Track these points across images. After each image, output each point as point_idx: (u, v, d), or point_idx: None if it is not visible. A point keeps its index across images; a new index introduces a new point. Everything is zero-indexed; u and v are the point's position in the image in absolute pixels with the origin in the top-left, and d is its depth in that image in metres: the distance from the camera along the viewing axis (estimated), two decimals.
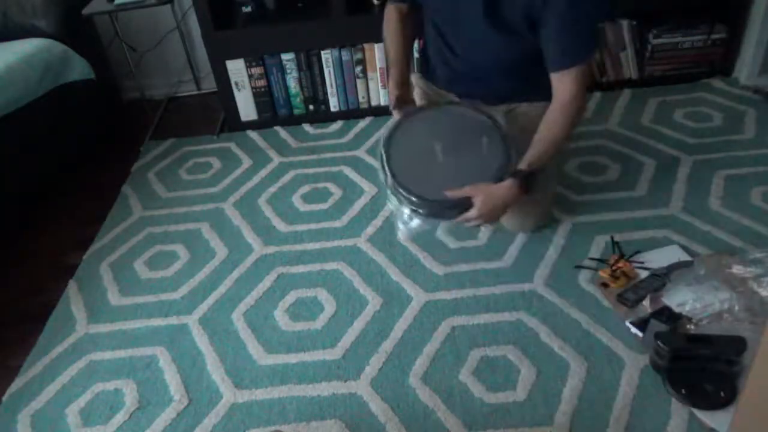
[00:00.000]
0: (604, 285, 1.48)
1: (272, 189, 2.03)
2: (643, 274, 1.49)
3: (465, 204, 1.39)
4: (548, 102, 1.43)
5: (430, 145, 1.48)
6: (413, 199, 1.42)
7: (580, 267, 1.56)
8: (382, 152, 1.47)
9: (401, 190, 1.42)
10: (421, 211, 1.44)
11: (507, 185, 1.38)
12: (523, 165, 1.39)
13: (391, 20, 1.62)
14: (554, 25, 1.31)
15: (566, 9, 1.28)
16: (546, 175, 1.48)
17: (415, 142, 1.50)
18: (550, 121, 1.40)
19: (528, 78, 1.49)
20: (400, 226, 1.51)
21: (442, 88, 1.69)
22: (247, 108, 2.38)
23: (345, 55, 2.27)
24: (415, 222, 1.47)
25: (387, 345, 1.41)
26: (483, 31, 1.41)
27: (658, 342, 1.24)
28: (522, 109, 1.62)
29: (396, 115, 1.53)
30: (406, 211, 1.46)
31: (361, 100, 2.37)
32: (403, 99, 1.56)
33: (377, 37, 2.20)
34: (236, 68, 2.28)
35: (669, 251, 1.56)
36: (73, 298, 1.67)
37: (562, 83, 1.37)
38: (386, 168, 1.45)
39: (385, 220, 1.81)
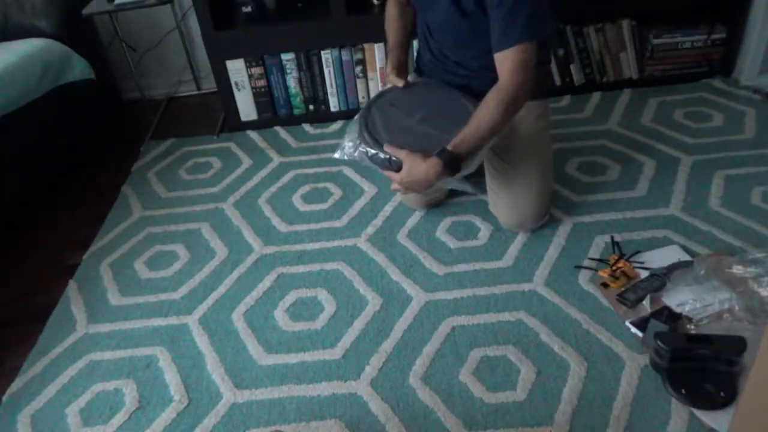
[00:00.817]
0: (604, 285, 1.48)
1: (272, 189, 2.03)
2: (643, 274, 1.49)
3: (396, 164, 1.44)
4: (529, 102, 1.48)
5: (411, 107, 1.55)
6: (365, 135, 1.49)
7: (580, 267, 1.56)
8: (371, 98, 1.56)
9: (365, 122, 1.52)
10: (362, 146, 1.50)
11: (432, 162, 1.39)
12: (449, 145, 1.40)
13: (391, 8, 1.69)
14: (496, 6, 1.35)
15: None
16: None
17: (401, 101, 1.57)
18: (484, 103, 1.41)
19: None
20: (342, 146, 1.55)
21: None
22: (247, 108, 2.38)
23: (345, 55, 2.27)
24: (357, 152, 1.52)
25: (387, 345, 1.41)
26: (449, 14, 1.47)
27: (658, 342, 1.23)
28: None
29: (391, 80, 1.59)
30: (353, 140, 1.53)
31: (361, 100, 2.37)
32: (399, 74, 1.62)
33: (377, 37, 2.21)
34: (236, 68, 2.28)
35: (669, 251, 1.56)
36: (73, 298, 1.67)
37: (501, 65, 1.40)
38: (369, 101, 1.59)
39: (385, 220, 1.81)
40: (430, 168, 1.40)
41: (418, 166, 1.41)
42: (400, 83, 1.59)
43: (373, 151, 1.48)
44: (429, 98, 1.58)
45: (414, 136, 1.48)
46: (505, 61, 1.39)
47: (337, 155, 1.56)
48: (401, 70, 1.63)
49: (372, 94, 2.35)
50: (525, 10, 1.33)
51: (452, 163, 1.40)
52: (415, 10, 1.67)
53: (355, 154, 1.51)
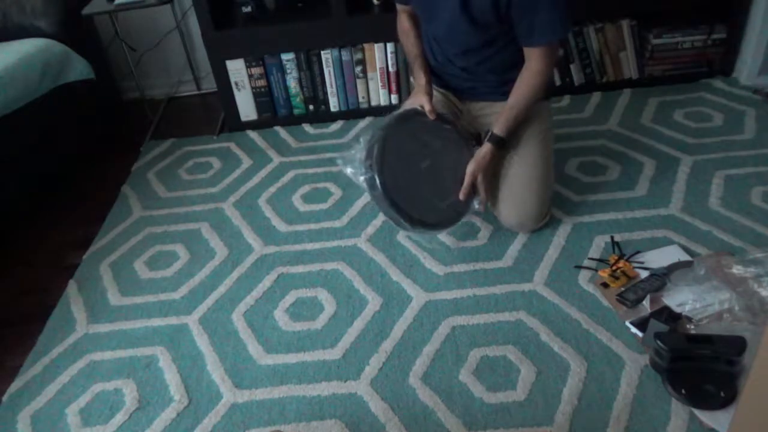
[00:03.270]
0: (604, 285, 1.48)
1: (272, 189, 2.03)
2: (643, 274, 1.49)
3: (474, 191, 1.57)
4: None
5: (421, 149, 1.58)
6: (378, 179, 1.49)
7: (580, 267, 1.56)
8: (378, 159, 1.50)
9: (381, 158, 1.50)
10: (373, 188, 1.50)
11: (488, 148, 1.56)
12: (499, 131, 1.55)
13: (403, 22, 1.69)
14: (528, 9, 1.41)
15: None
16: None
17: (412, 142, 1.58)
18: (521, 89, 1.54)
19: (504, 72, 1.60)
20: (352, 160, 1.55)
21: (439, 86, 1.73)
22: (247, 108, 2.38)
23: (345, 55, 2.27)
24: (362, 180, 1.52)
25: (387, 345, 1.41)
26: (458, 24, 1.49)
27: (658, 342, 1.23)
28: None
29: (426, 104, 1.59)
30: (360, 164, 1.52)
31: (361, 100, 2.37)
32: (428, 92, 1.63)
33: (377, 37, 2.21)
34: (236, 68, 2.28)
35: (669, 251, 1.56)
36: (73, 298, 1.67)
37: (531, 54, 1.51)
38: (390, 123, 1.56)
39: (385, 220, 1.81)
40: (488, 153, 1.56)
41: (482, 159, 1.55)
42: (428, 105, 1.57)
43: (377, 193, 1.49)
44: (419, 143, 1.57)
45: (418, 190, 1.53)
46: (537, 54, 1.50)
47: (339, 163, 1.58)
48: (430, 85, 1.63)
49: (372, 94, 2.35)
50: (556, 13, 1.42)
51: (500, 144, 1.57)
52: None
53: (360, 179, 1.51)
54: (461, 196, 1.55)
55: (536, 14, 1.41)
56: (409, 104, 1.64)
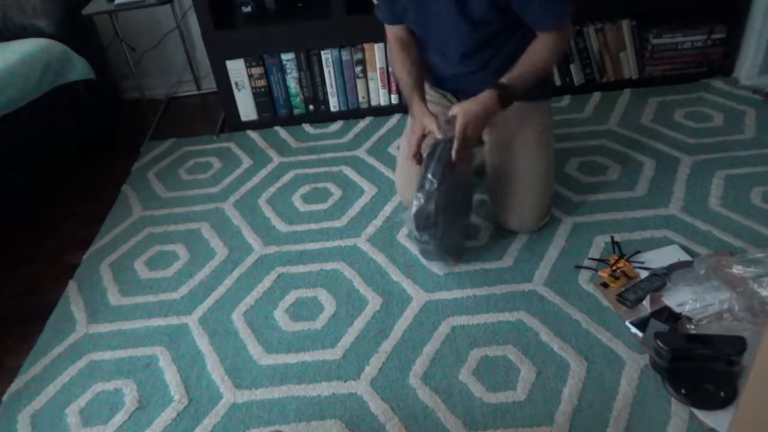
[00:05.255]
0: (604, 285, 1.48)
1: (272, 189, 2.03)
2: (643, 274, 1.49)
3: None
4: (531, 102, 1.57)
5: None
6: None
7: (580, 267, 1.56)
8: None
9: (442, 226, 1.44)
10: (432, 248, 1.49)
11: (488, 94, 1.42)
12: (504, 79, 1.44)
13: (396, 51, 1.64)
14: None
15: None
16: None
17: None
18: (536, 51, 1.46)
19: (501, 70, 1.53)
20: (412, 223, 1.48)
21: (438, 89, 1.71)
22: (247, 108, 2.38)
23: (345, 55, 2.27)
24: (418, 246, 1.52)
25: (387, 345, 1.41)
26: (456, 27, 1.47)
27: (658, 342, 1.23)
28: (508, 111, 1.63)
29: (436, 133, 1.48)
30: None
31: (361, 100, 2.37)
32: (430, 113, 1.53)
33: (377, 37, 2.21)
34: (236, 68, 2.28)
35: (669, 251, 1.56)
36: (73, 298, 1.67)
37: (544, 38, 1.46)
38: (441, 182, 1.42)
39: (385, 220, 1.81)
40: (487, 99, 1.42)
41: (474, 101, 1.42)
42: (440, 134, 1.47)
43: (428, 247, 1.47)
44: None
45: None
46: (547, 36, 1.46)
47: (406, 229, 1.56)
48: (429, 113, 1.52)
49: (372, 94, 2.35)
50: None
51: (505, 95, 1.43)
52: (414, 39, 1.63)
53: (419, 239, 1.45)
54: (454, 155, 1.42)
55: (533, 1, 1.40)
56: (417, 130, 1.52)
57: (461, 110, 1.42)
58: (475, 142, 1.52)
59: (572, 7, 1.46)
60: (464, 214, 1.70)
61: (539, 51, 1.47)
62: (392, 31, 1.64)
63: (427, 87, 1.67)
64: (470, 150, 1.52)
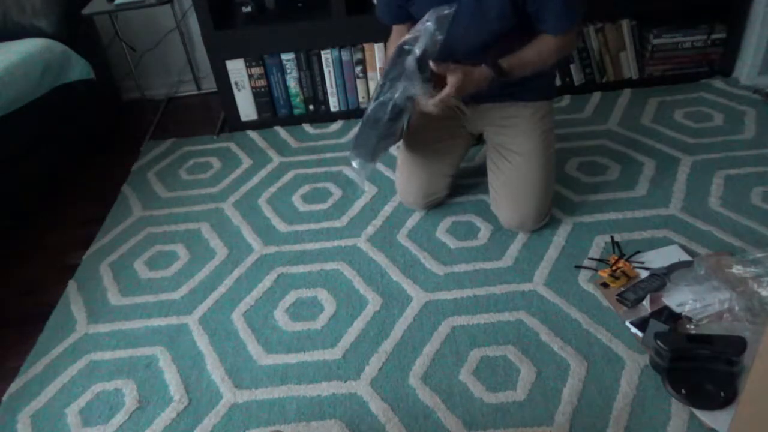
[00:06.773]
0: (604, 285, 1.48)
1: (272, 189, 2.03)
2: (643, 274, 1.49)
3: (436, 79, 1.44)
4: (533, 102, 1.62)
5: None
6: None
7: (580, 267, 1.56)
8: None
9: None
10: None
11: (482, 69, 1.46)
12: (503, 62, 1.47)
13: (395, 44, 1.62)
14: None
15: None
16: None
17: None
18: (541, 45, 1.49)
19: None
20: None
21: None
22: (247, 108, 2.38)
23: (345, 55, 2.27)
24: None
25: (387, 345, 1.41)
26: (470, 16, 1.46)
27: (658, 342, 1.23)
28: (510, 112, 1.65)
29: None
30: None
31: (361, 100, 2.37)
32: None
33: (377, 37, 2.21)
34: (236, 68, 2.28)
35: (669, 251, 1.56)
36: (73, 298, 1.67)
37: (555, 37, 1.49)
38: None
39: (385, 220, 1.81)
40: (480, 73, 1.46)
41: (470, 72, 1.45)
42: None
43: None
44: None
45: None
46: (557, 36, 1.48)
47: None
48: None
49: (372, 94, 2.34)
50: (574, 2, 1.44)
51: (500, 75, 1.47)
52: None
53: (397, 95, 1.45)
54: (436, 102, 1.44)
55: (547, 4, 1.42)
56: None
57: (462, 69, 1.44)
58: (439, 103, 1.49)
59: (582, 13, 1.50)
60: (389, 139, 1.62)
61: (543, 49, 1.49)
62: (399, 32, 1.63)
63: None
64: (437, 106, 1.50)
